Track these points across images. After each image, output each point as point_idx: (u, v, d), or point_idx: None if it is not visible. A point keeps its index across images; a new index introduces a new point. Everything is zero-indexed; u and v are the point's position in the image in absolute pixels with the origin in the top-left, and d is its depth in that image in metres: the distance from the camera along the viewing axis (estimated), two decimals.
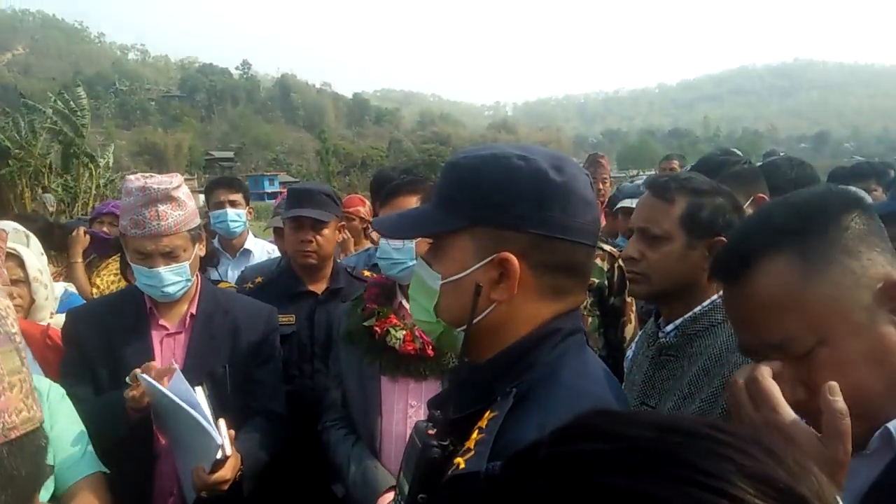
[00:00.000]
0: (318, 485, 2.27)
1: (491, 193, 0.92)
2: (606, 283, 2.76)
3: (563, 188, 0.92)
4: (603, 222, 3.90)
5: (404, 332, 1.87)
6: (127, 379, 1.75)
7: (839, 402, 0.77)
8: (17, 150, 15.19)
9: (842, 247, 0.86)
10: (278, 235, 3.36)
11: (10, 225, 2.71)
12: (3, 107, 19.14)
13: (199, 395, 1.69)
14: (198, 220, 2.00)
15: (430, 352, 1.84)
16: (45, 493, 1.51)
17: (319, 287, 2.56)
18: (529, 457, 0.45)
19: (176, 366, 1.75)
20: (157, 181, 1.88)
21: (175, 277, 1.91)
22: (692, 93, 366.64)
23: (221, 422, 1.69)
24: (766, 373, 0.84)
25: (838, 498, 0.42)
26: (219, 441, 1.65)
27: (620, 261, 2.51)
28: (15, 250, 2.35)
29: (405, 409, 1.86)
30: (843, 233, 0.86)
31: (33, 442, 0.46)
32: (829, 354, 0.84)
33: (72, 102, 16.27)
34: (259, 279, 2.66)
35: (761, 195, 2.18)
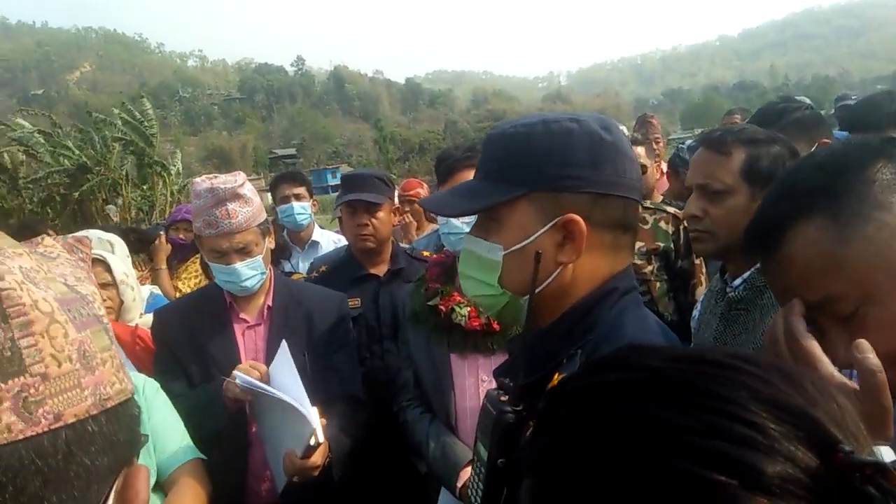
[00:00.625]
0: (400, 462, 2.35)
1: (547, 158, 0.94)
2: (672, 245, 2.71)
3: (613, 147, 0.95)
4: (665, 184, 3.80)
5: (469, 308, 1.89)
6: (226, 380, 1.84)
7: (870, 358, 0.74)
8: (94, 166, 16.11)
9: (872, 202, 0.82)
10: (342, 224, 3.45)
11: (93, 234, 2.90)
12: (76, 124, 20.26)
13: (299, 380, 1.73)
14: (265, 215, 2.07)
15: (496, 326, 1.85)
16: (150, 482, 1.63)
17: (381, 270, 2.62)
18: (560, 390, 0.48)
19: (284, 343, 1.81)
20: (223, 181, 1.96)
21: (251, 272, 1.99)
22: (755, 42, 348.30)
23: (315, 410, 1.74)
24: (801, 328, 0.82)
25: (880, 448, 0.41)
26: (314, 425, 1.70)
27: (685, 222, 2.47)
28: (101, 256, 2.51)
29: (476, 384, 1.88)
30: (871, 186, 0.82)
31: (127, 411, 0.50)
32: (877, 313, 0.81)
33: (138, 114, 17.03)
34: (324, 267, 2.74)
35: (825, 140, 2.08)
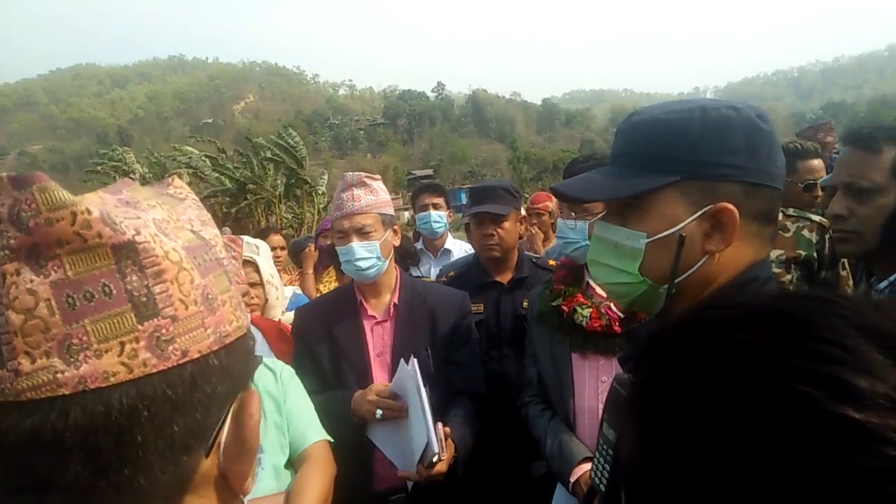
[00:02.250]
0: (515, 465, 2.38)
1: (704, 145, 0.92)
2: (816, 255, 2.52)
3: (769, 136, 0.94)
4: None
5: (590, 309, 1.90)
6: (356, 397, 2.00)
7: None
8: (251, 185, 17.87)
9: None
10: (468, 233, 3.57)
11: (244, 238, 3.22)
12: (237, 149, 22.64)
13: (425, 396, 1.82)
14: (391, 210, 2.19)
15: (616, 328, 1.85)
16: (283, 458, 1.77)
17: (505, 277, 2.66)
18: (661, 332, 0.50)
19: (414, 363, 1.89)
20: (357, 173, 2.16)
21: (366, 253, 2.08)
22: None
23: (439, 425, 1.84)
24: None
25: None
26: (435, 449, 1.80)
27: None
28: (251, 258, 2.78)
29: (596, 384, 1.88)
30: None
31: (243, 344, 0.56)
32: None
33: (290, 140, 18.73)
34: (452, 273, 2.84)
35: None
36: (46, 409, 0.43)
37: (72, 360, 0.44)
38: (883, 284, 1.50)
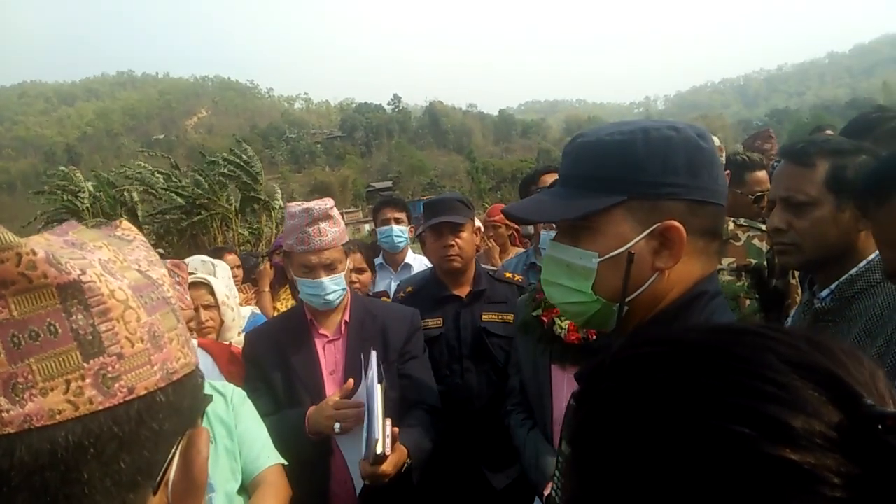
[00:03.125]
0: (478, 477, 2.38)
1: (647, 165, 0.94)
2: (766, 263, 2.60)
3: (709, 154, 0.97)
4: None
5: (569, 321, 1.92)
6: (309, 414, 1.98)
7: None
8: (205, 201, 17.61)
9: None
10: (424, 247, 3.57)
11: (197, 258, 3.15)
12: (190, 165, 22.37)
13: (378, 392, 1.84)
14: (347, 238, 2.21)
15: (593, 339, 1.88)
16: (235, 484, 1.72)
17: (463, 291, 2.67)
18: (600, 366, 0.50)
19: (374, 356, 1.92)
20: (315, 203, 2.12)
21: (334, 286, 2.12)
22: (869, 58, 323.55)
23: (388, 421, 1.83)
24: None
25: None
26: (375, 436, 1.79)
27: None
28: (205, 279, 2.71)
29: None
30: None
31: (191, 381, 0.57)
32: None
33: (244, 155, 18.53)
34: (410, 288, 2.83)
35: None
36: None
37: (17, 398, 0.44)
38: (825, 293, 1.55)
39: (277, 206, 18.44)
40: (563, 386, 1.92)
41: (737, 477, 0.37)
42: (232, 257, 4.40)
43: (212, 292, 2.67)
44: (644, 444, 0.41)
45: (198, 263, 3.03)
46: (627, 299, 0.95)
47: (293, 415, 2.03)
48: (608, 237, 0.96)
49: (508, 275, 2.77)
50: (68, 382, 0.46)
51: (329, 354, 2.19)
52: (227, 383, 1.96)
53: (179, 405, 0.54)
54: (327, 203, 2.13)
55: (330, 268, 2.11)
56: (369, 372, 1.89)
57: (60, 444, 0.45)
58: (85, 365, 0.47)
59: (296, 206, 2.11)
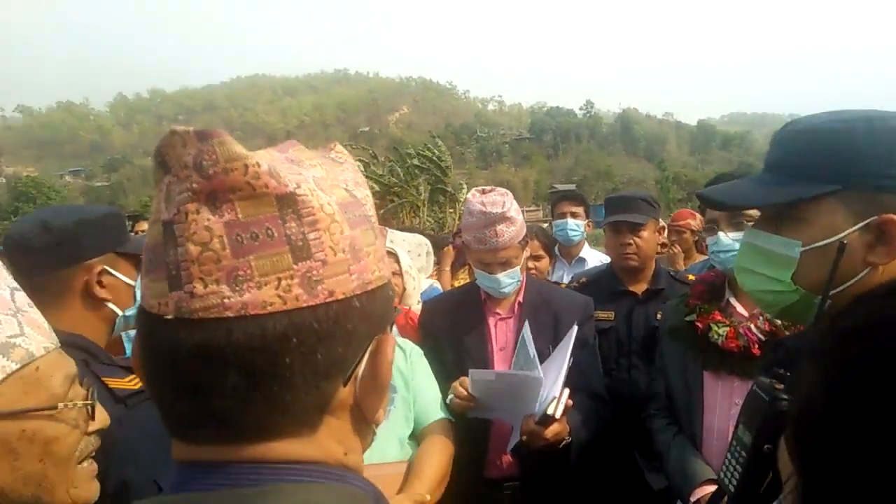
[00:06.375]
0: (635, 475, 2.32)
1: (869, 155, 0.90)
2: None
3: None
4: None
5: (727, 328, 1.82)
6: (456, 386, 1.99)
7: None
8: (398, 189, 18.91)
9: None
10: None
11: (394, 232, 3.42)
12: (388, 156, 24.08)
13: (566, 362, 1.83)
14: (525, 231, 2.20)
15: (755, 350, 1.75)
16: (407, 430, 1.88)
17: (640, 288, 2.62)
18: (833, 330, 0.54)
19: (573, 333, 1.92)
20: (492, 202, 2.08)
21: (509, 280, 2.17)
22: None
23: (566, 391, 1.83)
24: None
25: None
26: (554, 393, 1.79)
27: None
28: (393, 249, 2.96)
29: (729, 406, 1.79)
30: None
31: (383, 292, 0.62)
32: None
33: (436, 150, 19.57)
34: (583, 279, 2.83)
35: None
36: (213, 328, 0.51)
37: (237, 288, 0.51)
38: None
39: (462, 199, 19.29)
40: (717, 395, 1.82)
41: None
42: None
43: (398, 261, 2.90)
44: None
45: (395, 237, 3.30)
46: (832, 292, 0.91)
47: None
48: (815, 227, 0.93)
49: (691, 277, 2.65)
50: (279, 280, 0.52)
51: (500, 332, 2.23)
52: (407, 339, 2.12)
53: (371, 312, 0.59)
54: (504, 202, 2.07)
55: (505, 264, 2.14)
56: (567, 340, 1.89)
57: (269, 332, 0.51)
58: (294, 266, 0.53)
59: (475, 204, 2.09)
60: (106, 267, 1.48)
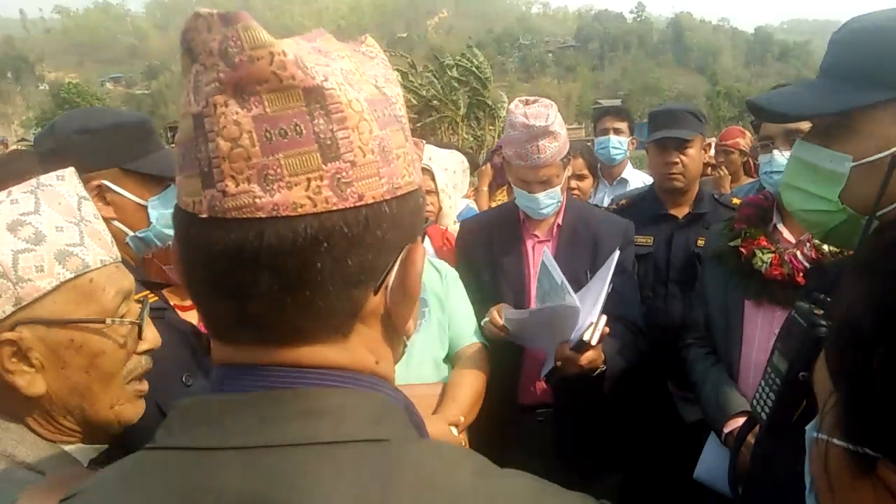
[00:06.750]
0: (668, 406, 2.32)
1: None
2: None
3: None
4: None
5: (772, 255, 1.74)
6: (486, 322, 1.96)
7: None
8: (436, 103, 18.39)
9: None
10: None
11: (430, 148, 3.32)
12: (426, 65, 23.26)
13: (605, 289, 1.77)
14: (568, 148, 2.11)
15: (799, 279, 1.68)
16: (442, 353, 1.89)
17: (681, 211, 2.52)
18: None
19: (614, 258, 1.84)
20: (535, 113, 1.99)
21: (549, 200, 2.10)
22: None
23: (603, 318, 1.78)
24: None
25: None
26: (591, 320, 1.75)
27: None
28: (428, 166, 2.89)
29: (768, 337, 1.72)
30: None
31: (414, 199, 0.59)
32: None
33: (475, 60, 18.84)
34: (624, 201, 2.73)
35: None
36: (246, 229, 0.50)
37: (268, 187, 0.50)
38: None
39: (502, 115, 18.78)
40: (757, 325, 1.75)
41: None
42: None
43: (433, 178, 2.84)
44: None
45: (433, 152, 3.22)
46: (879, 213, 0.83)
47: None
48: (868, 139, 0.85)
49: (736, 201, 2.53)
50: (309, 181, 0.50)
51: (538, 255, 2.17)
52: (443, 261, 2.10)
53: (401, 219, 0.56)
54: (549, 116, 1.99)
55: (546, 183, 2.07)
56: (608, 266, 1.83)
57: (300, 235, 0.50)
58: (324, 167, 0.50)
59: (517, 116, 2.00)
60: (106, 182, 1.42)
